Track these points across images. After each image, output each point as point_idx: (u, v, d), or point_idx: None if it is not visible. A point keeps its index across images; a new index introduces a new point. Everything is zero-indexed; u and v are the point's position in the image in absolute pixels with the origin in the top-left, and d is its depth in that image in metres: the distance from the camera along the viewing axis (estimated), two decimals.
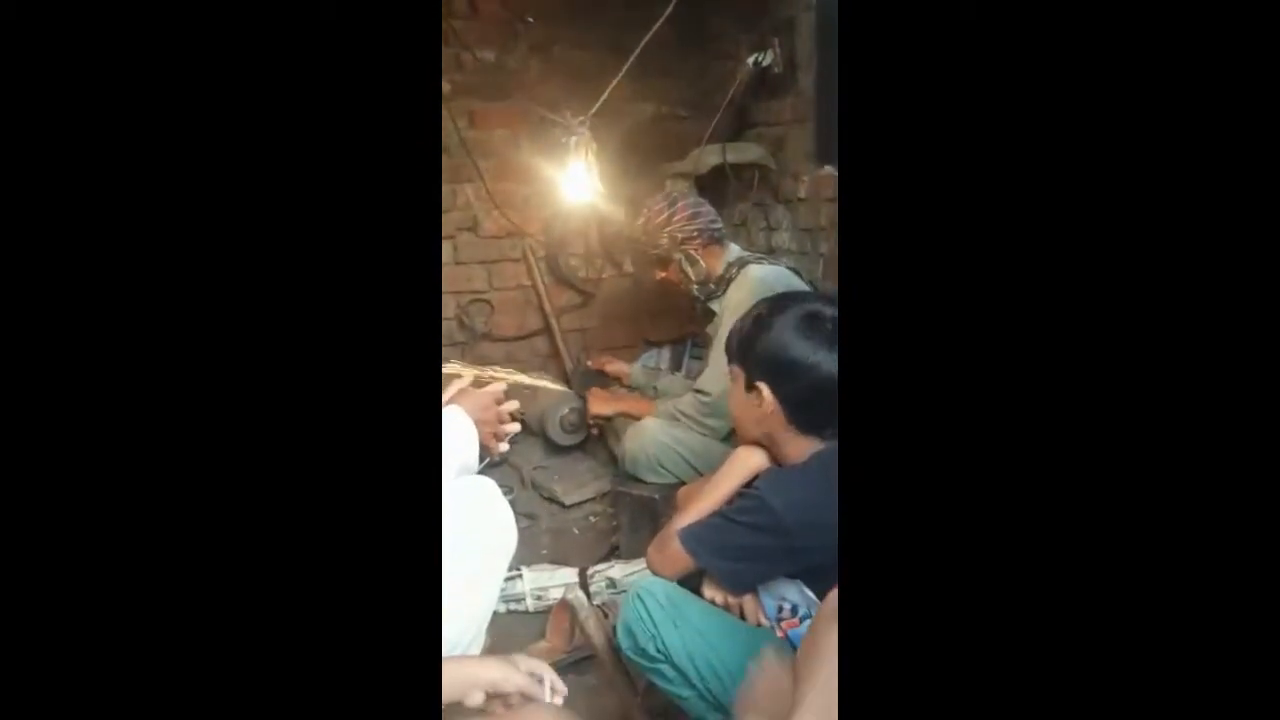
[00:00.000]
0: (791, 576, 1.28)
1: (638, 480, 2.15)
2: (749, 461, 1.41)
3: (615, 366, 2.66)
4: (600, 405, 2.40)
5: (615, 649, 1.44)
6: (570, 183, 2.28)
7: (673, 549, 1.35)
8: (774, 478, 1.32)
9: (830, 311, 1.30)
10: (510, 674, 0.91)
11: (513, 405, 1.39)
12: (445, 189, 2.78)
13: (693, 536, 1.33)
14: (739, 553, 1.29)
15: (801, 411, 1.30)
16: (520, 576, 1.92)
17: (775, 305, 1.34)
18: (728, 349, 1.41)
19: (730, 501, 1.36)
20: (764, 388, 1.31)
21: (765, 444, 1.38)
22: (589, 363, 2.77)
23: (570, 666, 1.74)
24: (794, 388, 1.29)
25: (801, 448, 1.32)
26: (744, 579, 1.31)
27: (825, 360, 1.26)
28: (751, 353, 1.32)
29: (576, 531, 2.35)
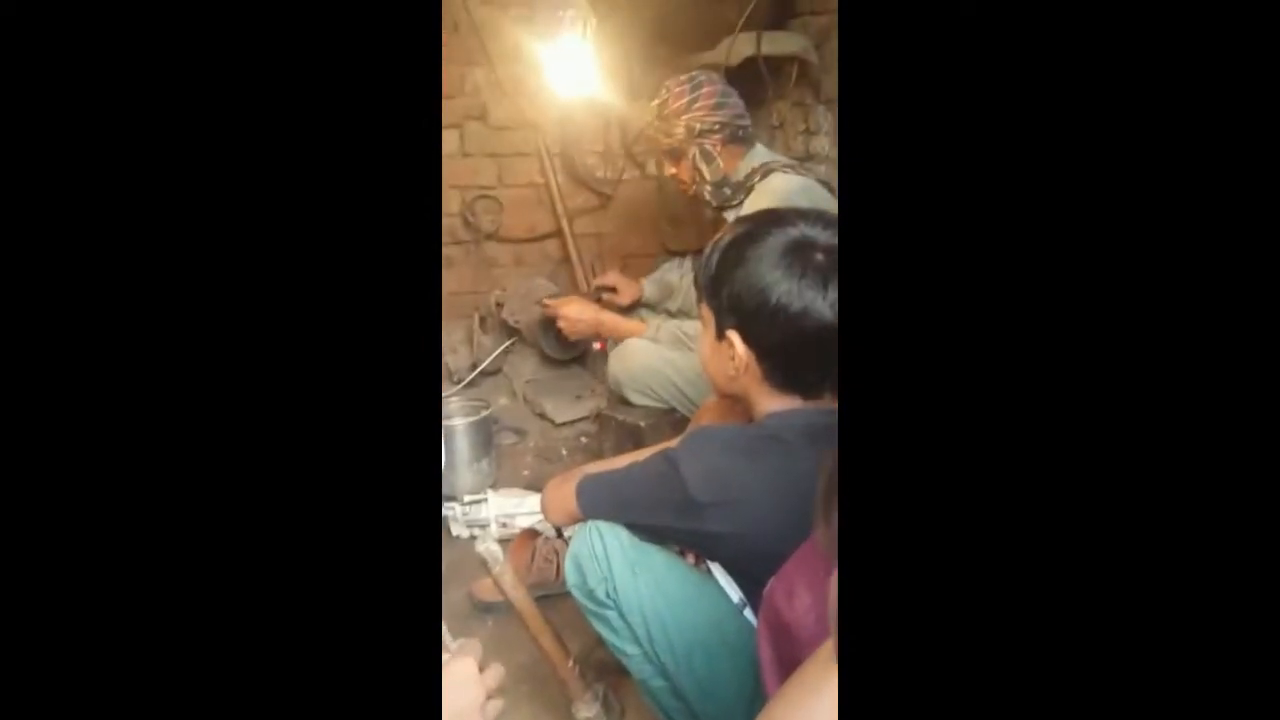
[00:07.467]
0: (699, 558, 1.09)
1: (626, 403, 1.97)
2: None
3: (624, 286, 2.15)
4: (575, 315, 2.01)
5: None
6: (575, 70, 2.03)
7: (565, 492, 1.16)
8: (697, 439, 1.09)
9: (825, 238, 1.03)
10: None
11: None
12: (452, 72, 2.55)
13: (588, 488, 1.14)
14: (632, 518, 1.09)
15: (781, 366, 1.05)
16: (486, 501, 1.79)
17: (754, 229, 1.06)
18: (696, 282, 1.14)
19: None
20: (735, 337, 1.05)
21: (740, 401, 1.14)
22: (597, 280, 2.26)
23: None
24: (774, 337, 1.03)
25: (774, 409, 1.08)
26: None
27: (814, 301, 1.00)
28: (722, 291, 1.05)
29: (565, 453, 2.22)
